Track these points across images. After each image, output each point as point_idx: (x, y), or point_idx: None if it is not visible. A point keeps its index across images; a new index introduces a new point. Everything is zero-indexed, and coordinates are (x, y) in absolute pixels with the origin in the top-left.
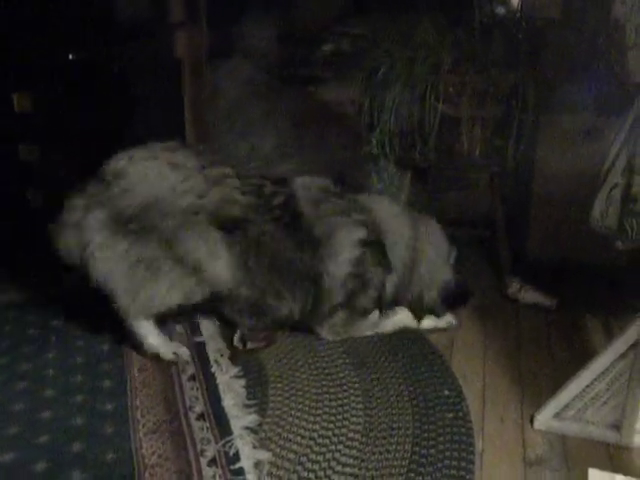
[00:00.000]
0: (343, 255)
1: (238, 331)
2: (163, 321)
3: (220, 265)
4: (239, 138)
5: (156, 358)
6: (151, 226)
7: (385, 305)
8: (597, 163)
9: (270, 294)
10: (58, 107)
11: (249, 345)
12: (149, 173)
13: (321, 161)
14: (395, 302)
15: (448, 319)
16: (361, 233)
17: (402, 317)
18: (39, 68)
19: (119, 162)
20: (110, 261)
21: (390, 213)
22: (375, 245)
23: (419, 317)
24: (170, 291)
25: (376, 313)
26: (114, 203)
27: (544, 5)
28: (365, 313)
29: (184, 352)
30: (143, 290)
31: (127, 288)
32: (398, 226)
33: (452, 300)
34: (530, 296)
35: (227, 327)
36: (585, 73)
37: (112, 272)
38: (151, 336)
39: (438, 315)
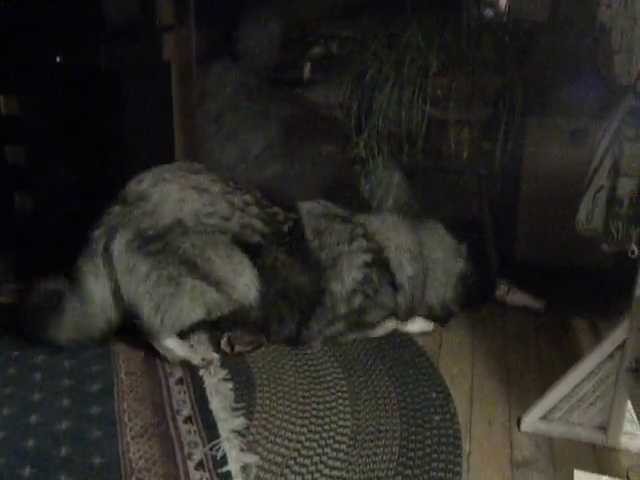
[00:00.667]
0: (348, 276)
1: (225, 335)
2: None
3: (245, 282)
4: (228, 140)
5: (186, 364)
6: (173, 246)
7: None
8: (583, 165)
9: (275, 318)
10: (46, 109)
11: (237, 349)
12: (172, 196)
13: (309, 163)
14: (411, 314)
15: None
16: (365, 257)
17: (392, 323)
18: (26, 70)
19: (141, 184)
20: (134, 284)
21: (391, 229)
22: (380, 266)
23: (443, 321)
24: (193, 306)
25: None
26: (136, 225)
27: (531, 9)
28: (370, 327)
29: (212, 356)
30: (167, 306)
31: (152, 307)
32: (401, 241)
33: (471, 298)
34: (518, 298)
35: (214, 330)
36: (572, 76)
37: (137, 294)
38: (179, 349)
39: (455, 315)
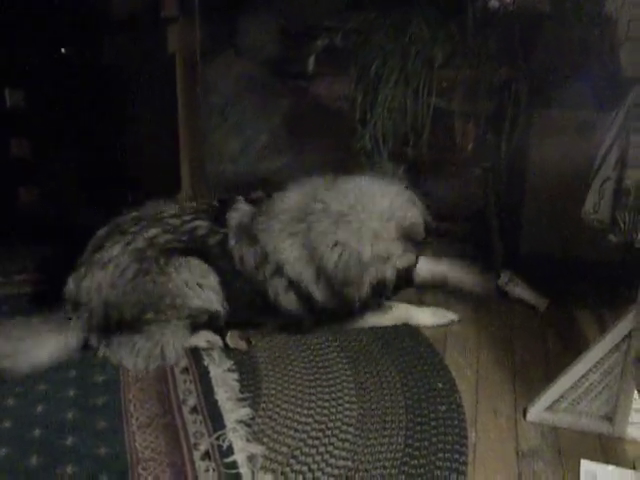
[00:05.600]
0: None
1: (229, 332)
2: None
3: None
4: (232, 133)
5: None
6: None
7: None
8: (590, 157)
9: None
10: (50, 102)
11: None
12: None
13: (314, 156)
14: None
15: (449, 315)
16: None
17: (402, 313)
18: (31, 63)
19: None
20: None
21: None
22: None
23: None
24: None
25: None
26: None
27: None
28: (355, 305)
29: (216, 340)
30: None
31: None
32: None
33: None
34: (518, 291)
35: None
36: (578, 67)
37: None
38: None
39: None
